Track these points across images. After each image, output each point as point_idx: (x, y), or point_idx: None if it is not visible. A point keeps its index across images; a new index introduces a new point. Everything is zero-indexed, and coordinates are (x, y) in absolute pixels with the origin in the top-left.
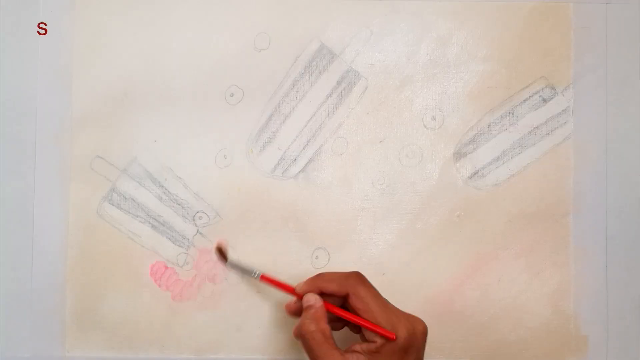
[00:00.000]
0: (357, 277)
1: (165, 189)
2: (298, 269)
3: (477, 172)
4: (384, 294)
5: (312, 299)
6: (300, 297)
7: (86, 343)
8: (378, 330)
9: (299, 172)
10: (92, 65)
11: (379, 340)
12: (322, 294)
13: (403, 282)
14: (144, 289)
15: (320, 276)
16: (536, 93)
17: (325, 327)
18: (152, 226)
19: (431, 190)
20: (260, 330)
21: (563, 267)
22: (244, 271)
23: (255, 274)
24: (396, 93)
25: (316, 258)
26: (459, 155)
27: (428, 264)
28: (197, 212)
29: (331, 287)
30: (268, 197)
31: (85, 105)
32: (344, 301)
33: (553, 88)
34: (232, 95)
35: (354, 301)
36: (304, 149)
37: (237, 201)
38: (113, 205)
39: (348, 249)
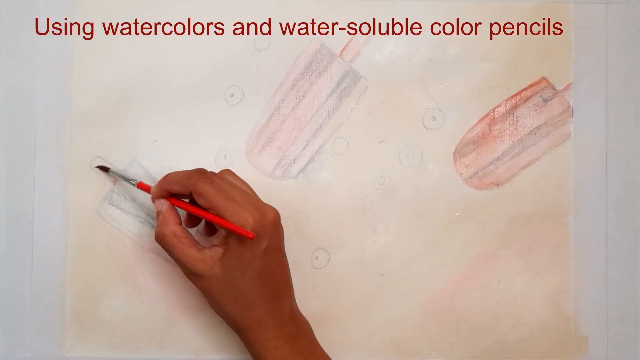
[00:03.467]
0: (199, 174)
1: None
2: (298, 269)
3: (477, 172)
4: (384, 293)
5: (159, 205)
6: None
7: (86, 343)
8: (223, 224)
9: (299, 172)
10: (92, 65)
11: (224, 231)
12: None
13: (403, 282)
14: (144, 289)
15: (166, 177)
16: (537, 93)
17: (176, 228)
18: (152, 226)
19: (431, 191)
20: None
21: (563, 267)
22: (124, 179)
23: (133, 181)
24: (396, 93)
25: (316, 258)
26: (459, 155)
27: (428, 264)
28: None
29: (176, 189)
30: (268, 197)
31: (85, 106)
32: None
33: (553, 88)
34: (232, 95)
35: (198, 200)
36: (304, 149)
37: None
38: (113, 205)
39: (348, 249)
